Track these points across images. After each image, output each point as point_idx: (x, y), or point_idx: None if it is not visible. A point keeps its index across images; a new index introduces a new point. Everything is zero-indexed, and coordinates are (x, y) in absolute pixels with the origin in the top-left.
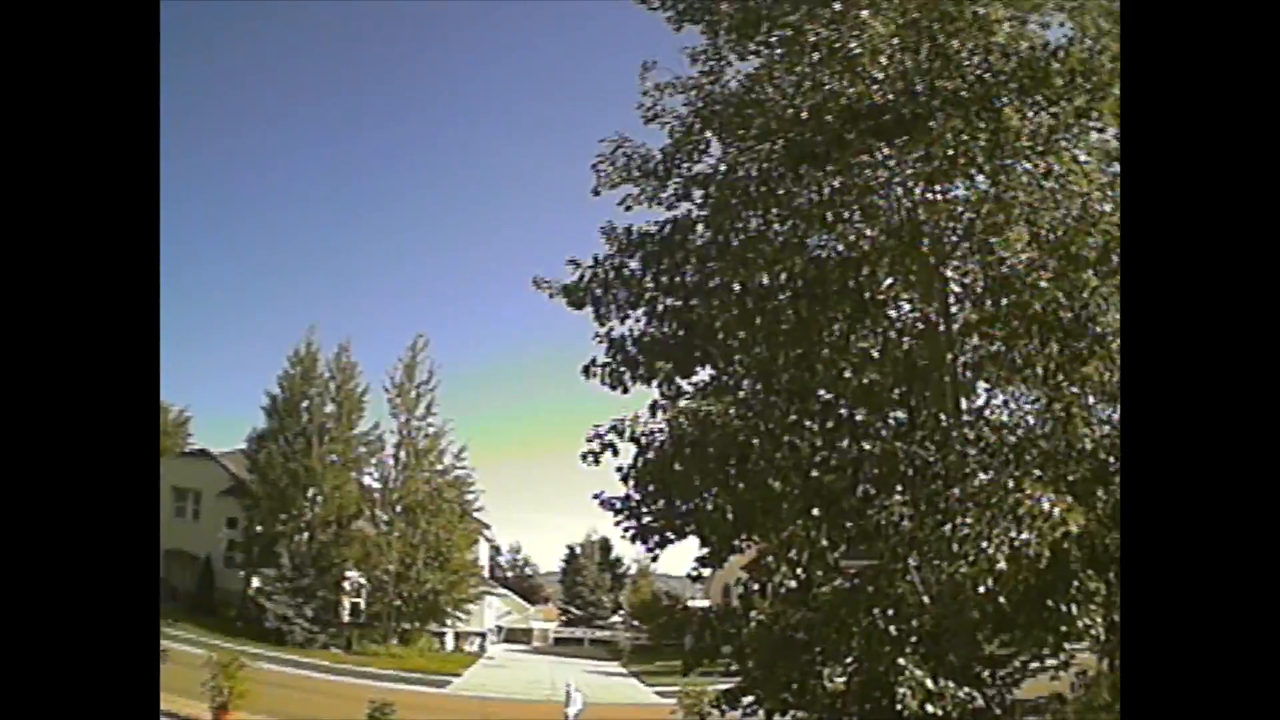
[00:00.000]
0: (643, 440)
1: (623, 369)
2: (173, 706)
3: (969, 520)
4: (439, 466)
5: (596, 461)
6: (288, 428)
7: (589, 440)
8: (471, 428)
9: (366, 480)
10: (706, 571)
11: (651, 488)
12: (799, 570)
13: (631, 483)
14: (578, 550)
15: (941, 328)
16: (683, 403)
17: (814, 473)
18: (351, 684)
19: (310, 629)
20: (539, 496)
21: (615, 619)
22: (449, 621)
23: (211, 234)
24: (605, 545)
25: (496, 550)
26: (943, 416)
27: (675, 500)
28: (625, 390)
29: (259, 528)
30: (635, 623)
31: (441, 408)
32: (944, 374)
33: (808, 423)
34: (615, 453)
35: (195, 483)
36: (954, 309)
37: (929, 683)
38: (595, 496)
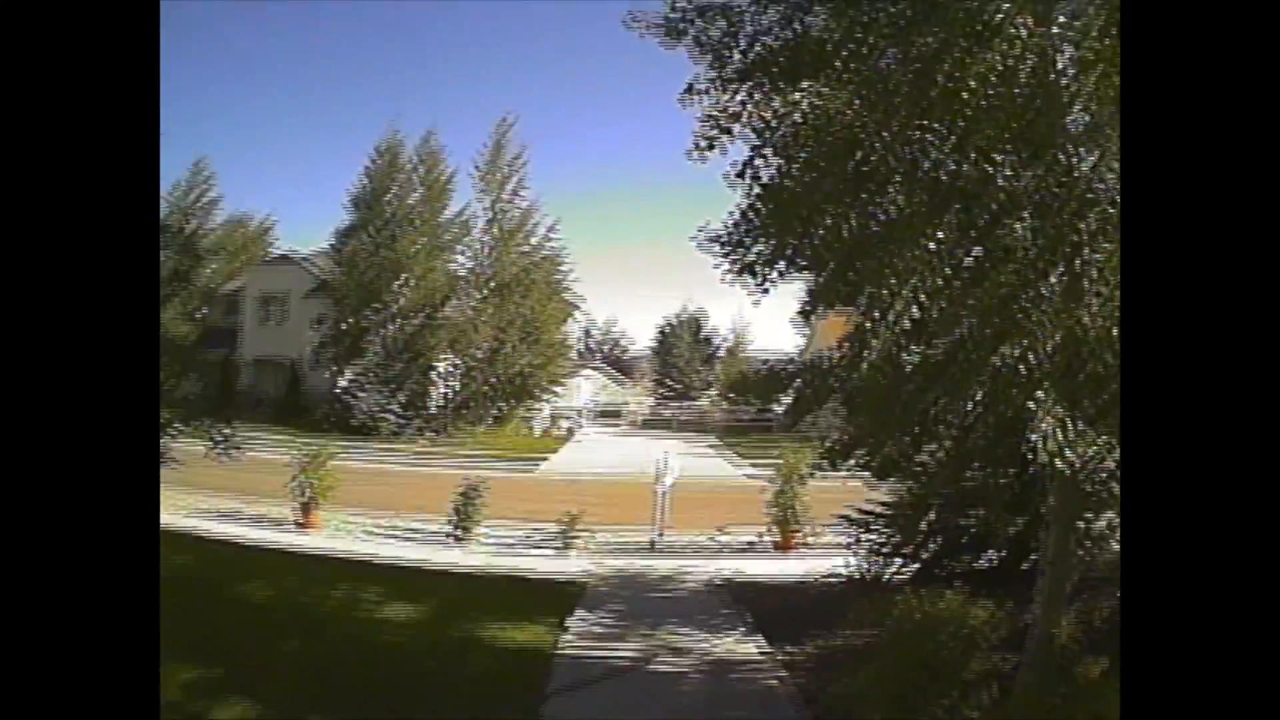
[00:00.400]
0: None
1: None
2: (260, 510)
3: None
4: (529, 245)
5: (708, 149)
6: (373, 219)
7: (700, 124)
8: (563, 207)
9: (456, 265)
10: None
11: (761, 208)
12: (918, 304)
13: (741, 204)
14: (669, 327)
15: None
16: (795, 95)
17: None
18: (441, 471)
19: (401, 419)
20: (631, 276)
21: (706, 397)
22: (541, 401)
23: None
24: (697, 322)
25: (588, 330)
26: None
27: (788, 220)
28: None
29: (346, 324)
30: (728, 399)
31: (533, 186)
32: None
33: (929, 137)
34: (724, 150)
35: (280, 287)
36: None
37: (1066, 425)
38: (700, 229)
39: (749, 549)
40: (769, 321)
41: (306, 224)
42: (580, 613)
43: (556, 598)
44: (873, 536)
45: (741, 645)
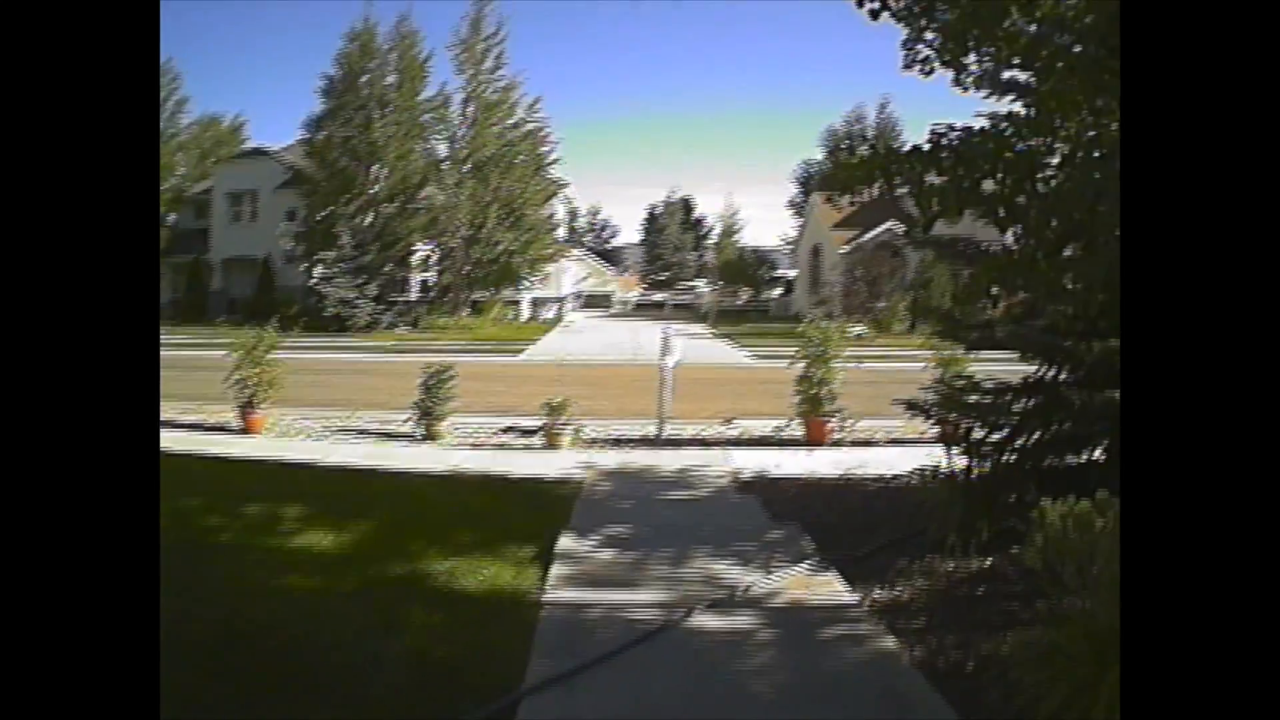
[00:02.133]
0: None
1: None
2: (202, 417)
3: None
4: (510, 121)
5: None
6: (346, 105)
7: None
8: (544, 84)
9: (433, 148)
10: None
11: None
12: None
13: None
14: (658, 210)
15: None
16: None
17: None
18: (416, 361)
19: (375, 310)
20: (618, 160)
21: (698, 282)
22: (524, 285)
23: None
24: (687, 205)
25: (575, 213)
26: None
27: None
28: None
29: (320, 217)
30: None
31: (512, 62)
32: None
33: None
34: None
35: (249, 184)
36: None
37: None
38: None
39: (768, 441)
40: (755, 209)
41: (283, 120)
42: (573, 531)
43: (541, 507)
44: (962, 423)
45: (811, 579)
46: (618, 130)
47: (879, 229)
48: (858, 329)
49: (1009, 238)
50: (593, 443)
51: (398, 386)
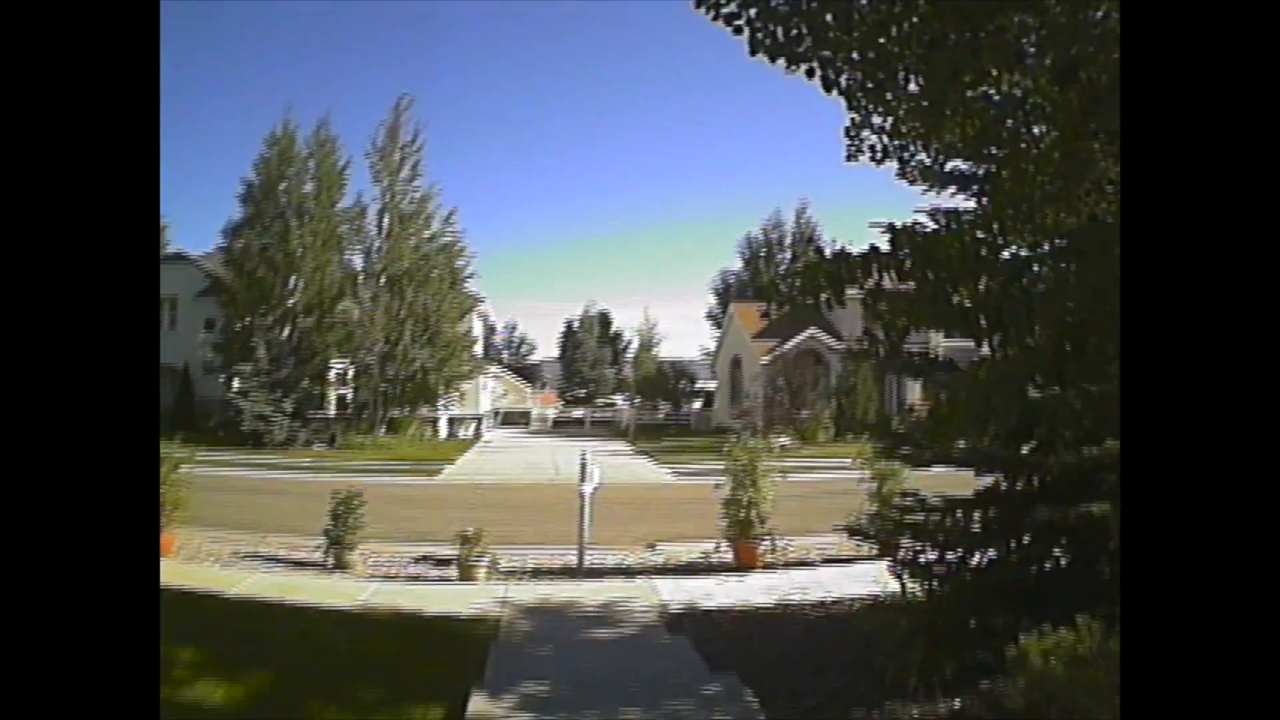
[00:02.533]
0: None
1: None
2: None
3: None
4: (426, 233)
5: None
6: (264, 213)
7: None
8: (460, 198)
9: (350, 261)
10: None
11: None
12: None
13: None
14: (576, 325)
15: None
16: None
17: None
18: (331, 481)
19: (291, 426)
20: (533, 277)
21: (617, 397)
22: (441, 404)
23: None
24: (604, 319)
25: (492, 329)
26: None
27: None
28: None
29: (240, 326)
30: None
31: (430, 173)
32: None
33: None
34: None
35: (171, 289)
36: None
37: None
38: None
39: (696, 568)
40: (672, 322)
41: (207, 226)
42: (486, 689)
43: (454, 654)
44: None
45: None
46: (532, 246)
47: (800, 336)
48: (782, 439)
49: (985, 349)
50: (510, 574)
51: (310, 509)
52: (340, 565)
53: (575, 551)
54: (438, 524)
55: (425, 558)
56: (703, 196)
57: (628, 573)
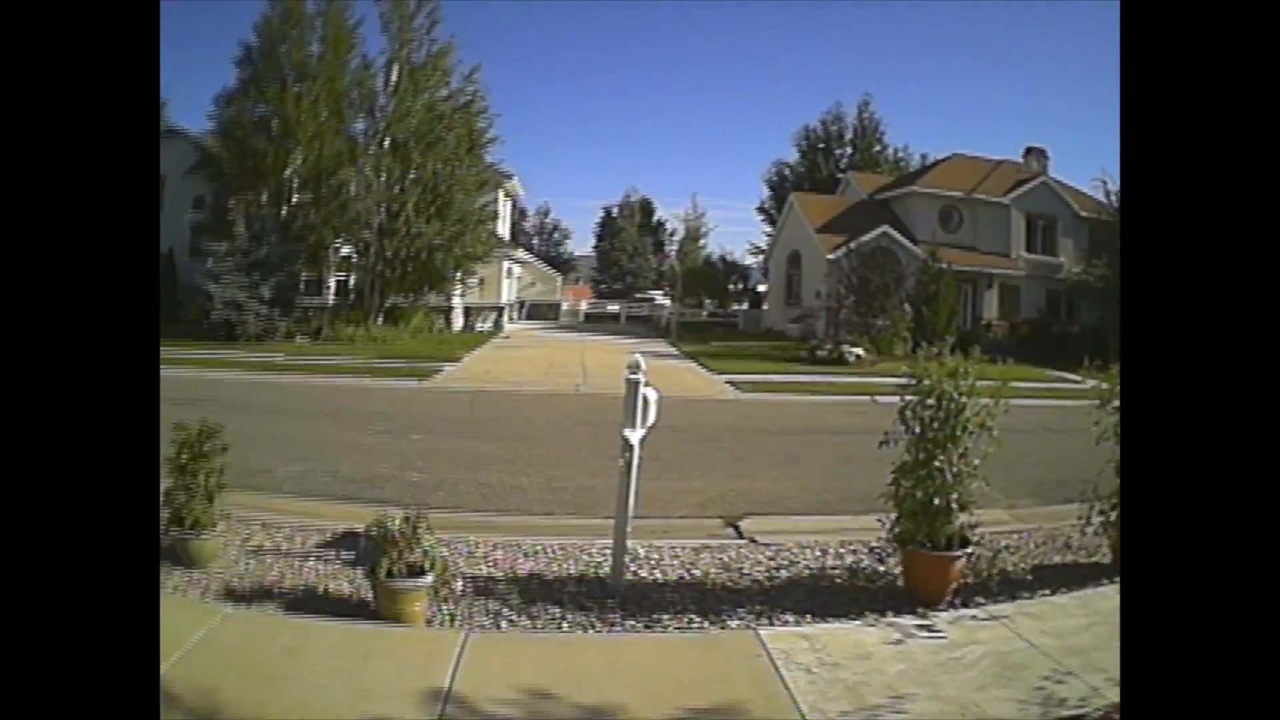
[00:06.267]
0: None
1: None
2: None
3: None
4: (443, 92)
5: None
6: (262, 78)
7: None
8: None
9: (357, 128)
10: None
11: None
12: None
13: None
14: (615, 211)
15: None
16: None
17: None
18: (297, 385)
19: (270, 315)
20: (569, 161)
21: (656, 293)
22: (456, 292)
23: None
24: (646, 207)
25: (522, 213)
26: None
27: None
28: None
29: (231, 204)
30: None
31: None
32: None
33: None
34: None
35: (162, 167)
36: None
37: None
38: None
39: (834, 587)
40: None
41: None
42: None
43: None
44: None
45: None
46: (569, 128)
47: (874, 232)
48: (856, 350)
49: None
50: (479, 597)
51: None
52: (182, 557)
53: (605, 542)
54: (397, 461)
55: (335, 540)
56: (754, 87)
57: (703, 598)
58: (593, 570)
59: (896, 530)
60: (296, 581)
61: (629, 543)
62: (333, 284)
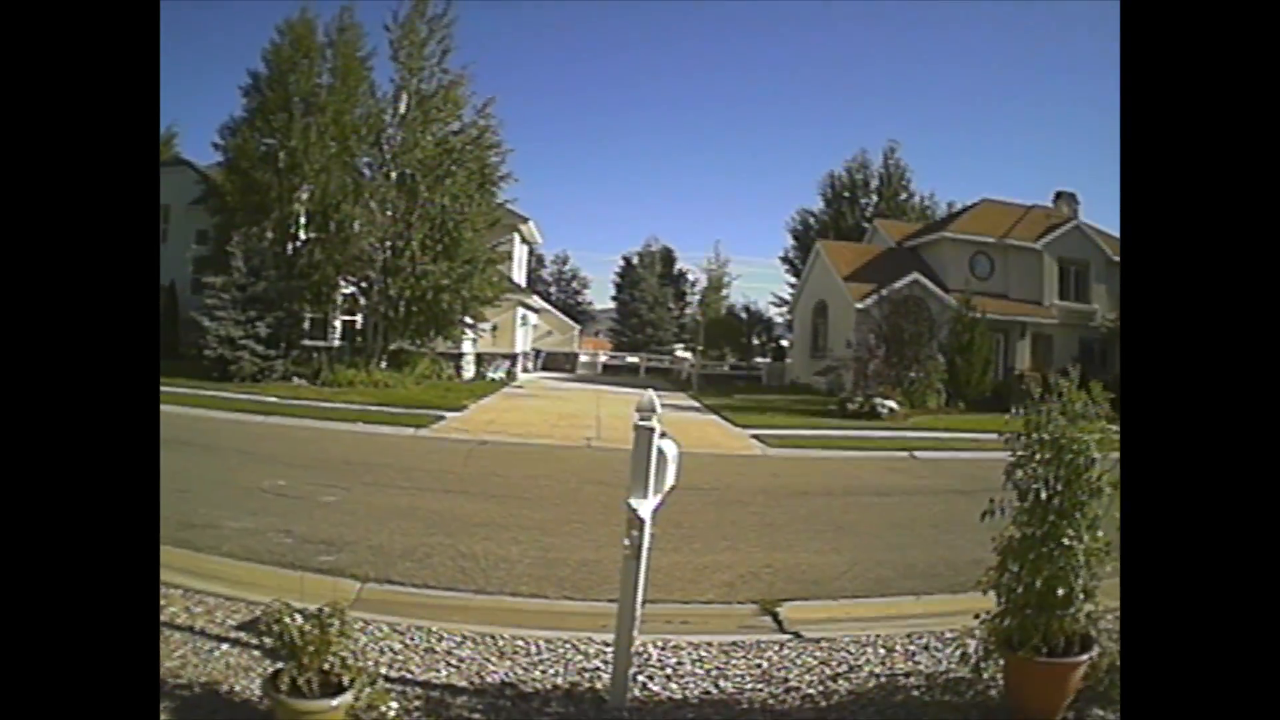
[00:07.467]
0: None
1: None
2: None
3: None
4: (454, 125)
5: None
6: (269, 107)
7: None
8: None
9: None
10: None
11: None
12: None
13: None
14: (635, 260)
15: None
16: None
17: None
18: (280, 426)
19: (266, 355)
20: (587, 204)
21: (679, 345)
22: (467, 337)
23: None
24: (668, 255)
25: (540, 260)
26: None
27: None
28: None
29: (236, 238)
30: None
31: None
32: None
33: None
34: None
35: (166, 198)
36: None
37: None
38: None
39: (908, 708)
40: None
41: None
42: None
43: None
44: None
45: None
46: (588, 180)
47: (904, 280)
48: (889, 403)
49: None
50: (429, 712)
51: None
52: None
53: (606, 636)
54: (366, 521)
55: (262, 624)
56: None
57: None
58: (587, 679)
59: (1002, 625)
60: (197, 674)
61: (638, 639)
62: (339, 325)
